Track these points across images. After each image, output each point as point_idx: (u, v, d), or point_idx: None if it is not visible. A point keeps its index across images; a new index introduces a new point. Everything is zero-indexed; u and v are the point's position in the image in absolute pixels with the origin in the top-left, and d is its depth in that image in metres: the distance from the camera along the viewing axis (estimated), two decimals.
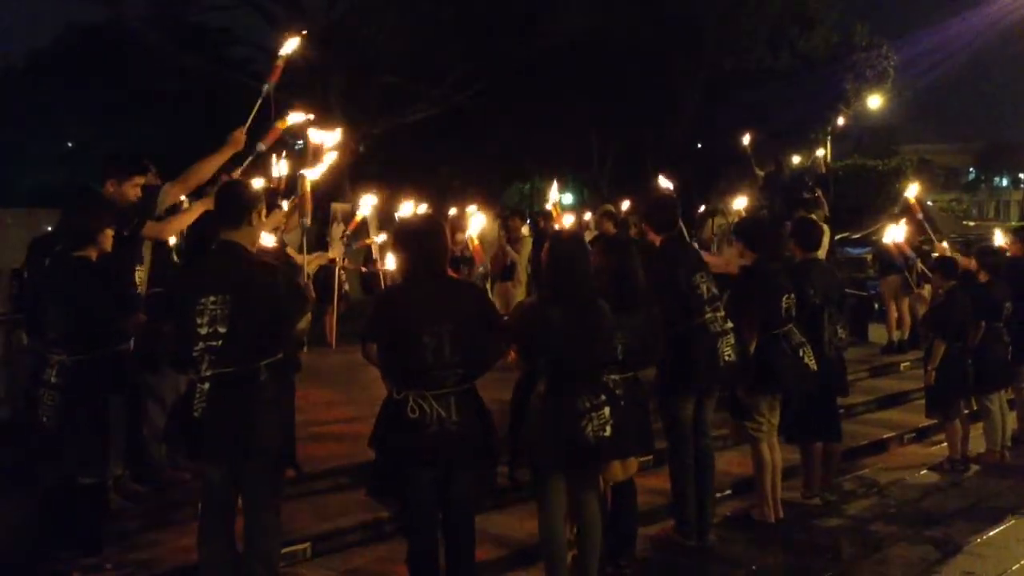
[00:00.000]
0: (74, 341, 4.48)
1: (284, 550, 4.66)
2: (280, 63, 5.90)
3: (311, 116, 5.96)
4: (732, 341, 5.49)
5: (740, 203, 8.49)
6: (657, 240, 5.70)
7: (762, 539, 5.86)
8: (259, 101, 5.61)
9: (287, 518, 4.93)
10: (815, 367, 5.96)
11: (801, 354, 5.91)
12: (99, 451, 4.44)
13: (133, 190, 5.33)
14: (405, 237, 4.31)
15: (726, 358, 5.44)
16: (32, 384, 4.55)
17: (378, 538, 5.34)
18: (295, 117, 5.87)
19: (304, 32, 6.13)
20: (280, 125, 5.69)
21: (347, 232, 7.94)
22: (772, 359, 5.85)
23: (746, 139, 13.15)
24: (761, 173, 11.81)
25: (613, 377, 4.80)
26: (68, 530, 4.56)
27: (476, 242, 5.60)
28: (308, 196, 5.43)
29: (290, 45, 5.97)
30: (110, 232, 4.80)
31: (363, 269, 11.89)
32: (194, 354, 3.87)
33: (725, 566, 5.45)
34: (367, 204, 7.21)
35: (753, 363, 5.79)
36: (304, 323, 4.09)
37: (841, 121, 28.28)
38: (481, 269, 5.65)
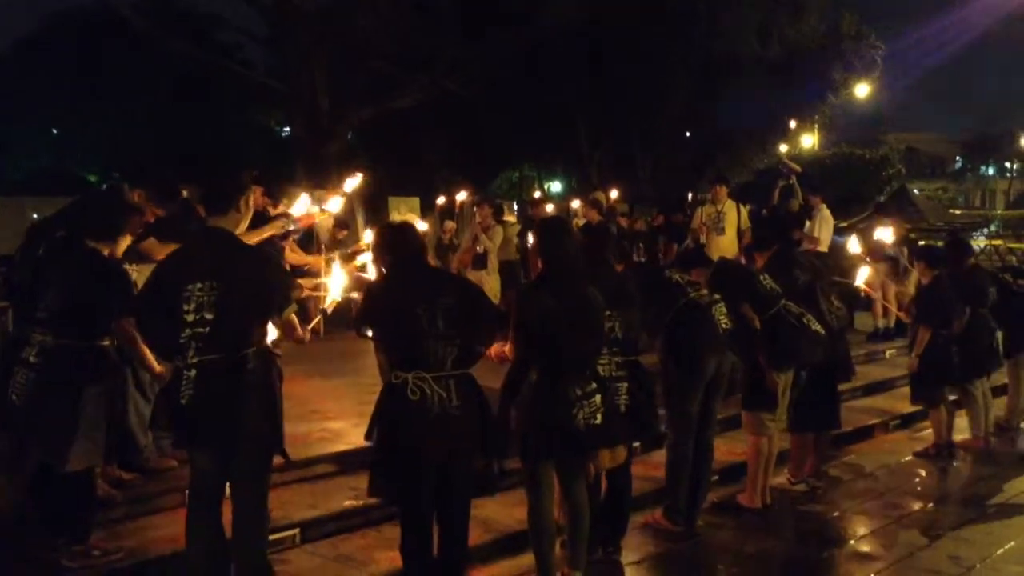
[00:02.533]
0: (63, 325, 4.45)
1: (273, 536, 4.67)
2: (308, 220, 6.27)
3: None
4: (724, 310, 5.54)
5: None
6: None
7: (748, 525, 5.90)
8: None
9: (276, 504, 4.94)
10: (823, 331, 6.02)
11: (806, 321, 5.97)
12: (65, 437, 4.40)
13: (152, 212, 5.45)
14: (382, 244, 4.36)
15: (724, 325, 5.49)
16: (9, 361, 4.52)
17: (368, 524, 5.35)
18: (334, 204, 6.24)
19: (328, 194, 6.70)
20: (318, 216, 6.28)
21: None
22: (779, 332, 5.90)
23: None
24: (747, 208, 11.87)
25: (616, 359, 4.84)
26: (55, 517, 4.55)
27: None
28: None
29: (334, 204, 6.47)
30: (129, 239, 4.83)
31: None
32: (180, 341, 3.85)
33: (712, 551, 5.49)
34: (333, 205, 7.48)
35: (767, 345, 5.84)
36: (291, 311, 4.07)
37: (827, 112, 28.41)
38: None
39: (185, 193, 5.82)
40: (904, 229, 12.78)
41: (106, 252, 4.65)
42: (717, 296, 5.59)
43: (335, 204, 6.61)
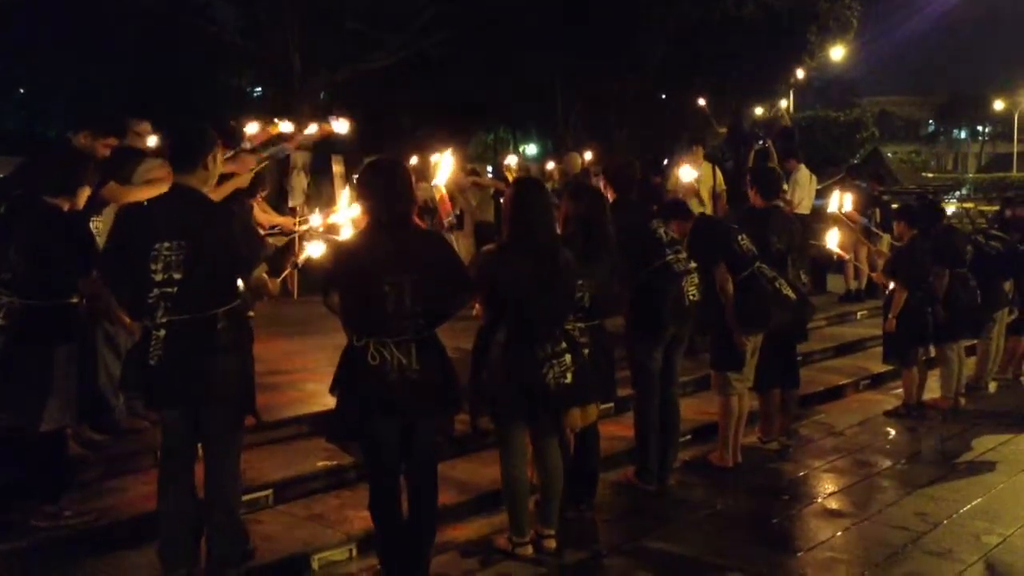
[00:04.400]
0: (29, 285, 4.39)
1: (246, 497, 4.66)
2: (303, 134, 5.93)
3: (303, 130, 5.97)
4: (696, 281, 5.54)
5: (686, 175, 8.12)
6: (612, 197, 5.70)
7: (720, 483, 5.96)
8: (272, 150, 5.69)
9: (249, 466, 4.94)
10: (794, 296, 6.05)
11: (778, 285, 5.99)
12: (38, 398, 4.36)
13: (103, 149, 5.27)
14: (370, 181, 4.21)
15: (691, 297, 5.49)
16: None
17: (341, 484, 5.35)
18: (286, 126, 5.83)
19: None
20: (272, 130, 5.69)
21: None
22: (754, 297, 5.91)
23: (701, 101, 13.11)
24: (723, 130, 11.90)
25: (579, 325, 4.83)
26: (26, 478, 4.51)
27: (443, 191, 5.45)
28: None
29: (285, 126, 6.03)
30: (87, 190, 4.73)
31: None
32: (149, 301, 3.80)
33: (684, 509, 5.53)
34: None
35: (739, 308, 5.86)
36: (261, 270, 4.02)
37: (804, 73, 28.38)
38: (448, 220, 5.57)
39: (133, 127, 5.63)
40: (876, 191, 12.87)
41: (66, 207, 4.58)
42: (692, 265, 5.58)
43: (286, 126, 6.19)
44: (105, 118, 5.40)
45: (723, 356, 6.07)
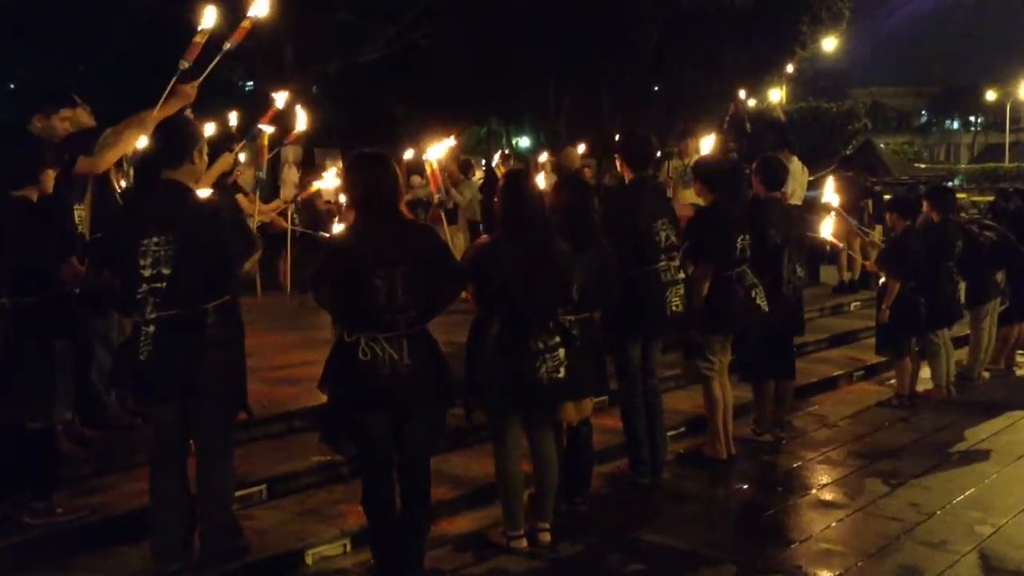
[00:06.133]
0: (17, 284, 4.34)
1: (239, 492, 4.65)
2: (247, 24, 5.57)
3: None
4: (681, 292, 5.52)
5: (707, 144, 8.10)
6: (628, 176, 5.67)
7: (714, 475, 5.96)
8: (216, 59, 5.33)
9: (243, 461, 4.92)
10: (766, 308, 6.01)
11: (753, 295, 5.95)
12: (44, 396, 4.33)
13: (62, 124, 5.10)
14: (356, 172, 4.18)
15: (673, 308, 5.47)
16: None
17: (334, 479, 5.33)
18: (209, 15, 5.43)
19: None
20: (199, 39, 5.25)
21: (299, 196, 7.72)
22: (725, 301, 5.88)
23: (742, 94, 12.98)
24: (748, 128, 11.84)
25: (568, 318, 4.81)
26: (17, 475, 4.48)
27: (434, 166, 5.43)
28: (264, 148, 5.20)
29: (259, 7, 5.61)
30: (52, 173, 4.65)
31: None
32: (138, 297, 3.78)
33: (678, 502, 5.53)
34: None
35: (707, 306, 5.83)
36: (251, 264, 4.00)
37: (794, 65, 28.38)
38: (438, 196, 5.57)
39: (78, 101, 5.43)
40: (869, 183, 12.89)
41: (35, 196, 4.48)
42: (681, 275, 5.56)
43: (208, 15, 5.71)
44: (50, 95, 5.22)
45: (688, 344, 6.08)
